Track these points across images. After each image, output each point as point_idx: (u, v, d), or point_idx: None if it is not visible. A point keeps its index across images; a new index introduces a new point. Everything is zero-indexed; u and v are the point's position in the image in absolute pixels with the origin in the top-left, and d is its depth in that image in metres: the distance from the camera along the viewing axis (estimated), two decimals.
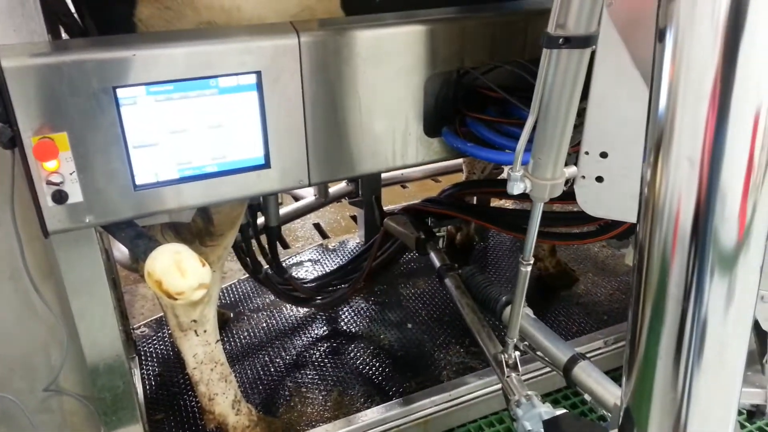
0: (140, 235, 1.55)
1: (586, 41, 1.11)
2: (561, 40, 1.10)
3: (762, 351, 1.69)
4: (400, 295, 2.97)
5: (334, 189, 3.21)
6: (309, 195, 3.21)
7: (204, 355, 2.01)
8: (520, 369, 1.68)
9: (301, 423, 2.23)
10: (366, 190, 3.15)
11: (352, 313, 2.84)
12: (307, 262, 3.28)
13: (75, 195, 1.41)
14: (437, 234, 2.31)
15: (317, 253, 3.35)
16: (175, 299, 1.47)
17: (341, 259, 3.24)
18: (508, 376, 1.64)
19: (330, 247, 3.41)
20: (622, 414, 1.22)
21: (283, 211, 3.06)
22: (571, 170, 1.32)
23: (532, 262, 1.48)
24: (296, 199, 3.26)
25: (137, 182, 1.47)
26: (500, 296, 1.86)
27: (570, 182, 1.35)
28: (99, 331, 1.71)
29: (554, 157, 1.27)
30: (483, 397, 2.32)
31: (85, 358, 1.73)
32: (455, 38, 1.67)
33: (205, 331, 1.98)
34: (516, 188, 1.28)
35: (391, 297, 2.95)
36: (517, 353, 1.68)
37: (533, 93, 1.24)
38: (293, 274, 3.13)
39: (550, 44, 1.11)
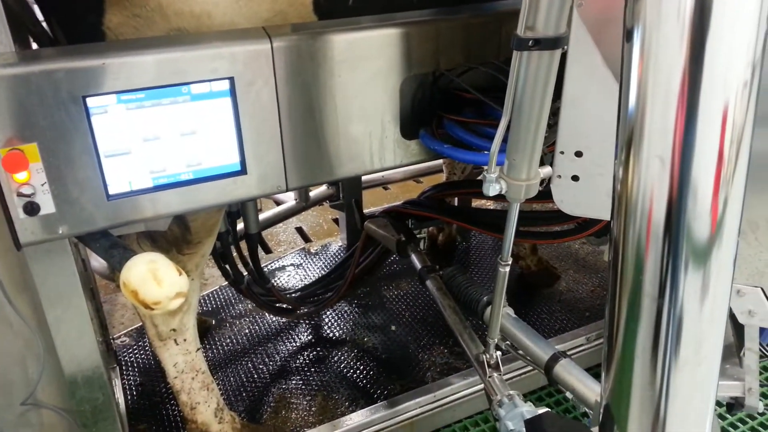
0: (115, 245, 1.53)
1: (555, 42, 1.11)
2: (531, 42, 1.10)
3: (739, 344, 1.71)
4: (383, 297, 2.96)
5: (314, 192, 3.20)
6: (289, 199, 3.20)
7: (185, 364, 1.99)
8: (501, 369, 1.68)
9: (286, 429, 2.22)
10: (347, 193, 3.14)
11: (336, 317, 2.83)
12: (289, 266, 3.26)
13: (47, 206, 1.39)
14: (418, 236, 2.31)
15: (299, 258, 3.34)
16: (152, 309, 1.45)
17: (323, 263, 3.23)
18: (490, 377, 1.64)
19: (312, 251, 3.40)
20: (602, 411, 1.23)
21: (263, 216, 3.04)
22: (546, 170, 1.33)
23: (510, 262, 1.48)
24: (277, 203, 3.25)
25: (110, 192, 1.45)
26: (481, 296, 1.86)
27: (546, 182, 1.35)
28: (76, 343, 1.68)
29: (528, 157, 1.27)
30: (468, 397, 2.33)
31: (62, 370, 1.71)
32: (430, 40, 1.68)
33: (185, 340, 1.96)
34: (492, 189, 1.28)
35: (374, 300, 2.95)
36: (499, 353, 1.69)
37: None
38: (276, 279, 3.11)
39: (520, 46, 1.12)
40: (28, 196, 1.35)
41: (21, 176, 1.33)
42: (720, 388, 1.79)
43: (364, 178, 3.47)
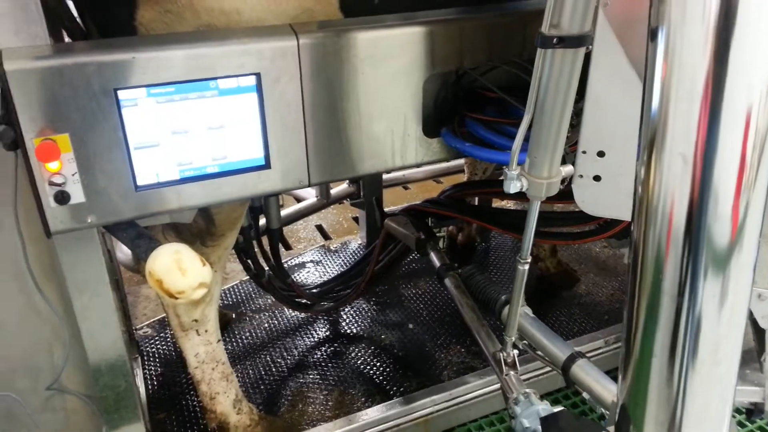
0: (141, 235, 1.57)
1: (579, 41, 1.12)
2: (555, 39, 1.11)
3: (760, 349, 1.70)
4: (401, 295, 2.98)
5: (335, 190, 3.23)
6: (311, 196, 3.22)
7: (205, 355, 2.03)
8: (518, 367, 1.69)
9: (303, 422, 2.24)
10: (367, 191, 3.16)
11: (354, 314, 2.86)
12: (309, 263, 3.29)
13: (77, 196, 1.42)
14: (437, 234, 2.32)
15: (319, 255, 3.36)
16: (176, 298, 1.48)
17: (343, 260, 3.25)
18: (506, 375, 1.65)
19: (332, 248, 3.43)
20: (618, 411, 1.23)
21: (285, 212, 3.08)
22: (567, 169, 1.33)
23: (529, 260, 1.49)
24: (298, 200, 3.28)
25: (138, 183, 1.48)
26: (499, 296, 1.86)
27: (567, 181, 1.36)
28: (101, 331, 1.72)
29: (550, 155, 1.28)
30: (483, 397, 2.33)
31: (87, 357, 1.75)
32: (453, 39, 1.69)
33: (206, 331, 2.00)
34: (512, 187, 1.29)
35: (392, 297, 2.96)
36: (516, 352, 1.69)
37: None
38: (295, 275, 3.14)
39: (544, 44, 1.13)
40: (59, 185, 1.39)
41: (53, 166, 1.37)
42: (739, 394, 1.78)
43: (384, 176, 3.49)
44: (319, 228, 4.01)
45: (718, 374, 1.14)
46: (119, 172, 1.45)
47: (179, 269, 1.47)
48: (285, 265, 2.93)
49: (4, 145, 1.34)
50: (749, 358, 1.77)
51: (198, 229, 1.84)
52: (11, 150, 1.35)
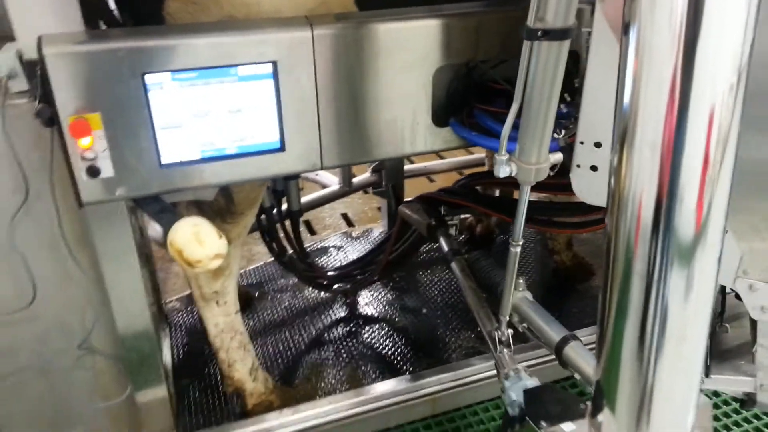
0: (165, 209, 1.70)
1: (563, 34, 1.19)
2: (540, 32, 1.18)
3: (753, 341, 1.74)
4: (417, 282, 3.07)
5: (358, 179, 3.33)
6: (334, 183, 3.34)
7: (224, 324, 2.16)
8: (512, 346, 1.77)
9: (315, 394, 2.36)
10: (388, 181, 3.26)
11: (371, 297, 2.96)
12: (331, 248, 3.41)
13: (107, 170, 1.56)
14: (450, 222, 2.40)
15: (341, 240, 3.48)
16: (194, 267, 1.61)
17: (363, 247, 3.36)
18: (500, 352, 1.73)
19: (354, 235, 3.54)
20: (594, 388, 1.30)
21: (308, 197, 3.20)
22: (556, 156, 1.40)
23: (521, 242, 1.56)
24: (322, 187, 3.40)
25: (163, 161, 1.61)
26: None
27: (557, 167, 1.43)
28: (128, 296, 1.87)
29: (538, 142, 1.35)
30: (490, 379, 2.40)
31: (115, 321, 1.90)
32: (463, 32, 1.76)
33: (225, 302, 2.13)
34: (502, 171, 1.37)
35: (409, 283, 3.06)
36: (510, 331, 1.77)
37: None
38: (318, 258, 3.27)
39: (530, 36, 1.20)
40: (91, 160, 1.53)
41: (85, 142, 1.50)
42: (733, 384, 1.82)
43: (407, 167, 3.58)
44: (344, 216, 4.13)
45: (685, 358, 1.20)
46: (145, 149, 1.58)
47: (197, 241, 1.60)
48: (309, 249, 3.06)
49: (42, 121, 1.48)
50: (745, 350, 1.81)
51: (219, 207, 1.97)
52: (48, 126, 1.49)
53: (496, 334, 1.76)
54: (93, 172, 1.54)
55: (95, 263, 1.81)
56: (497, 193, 3.16)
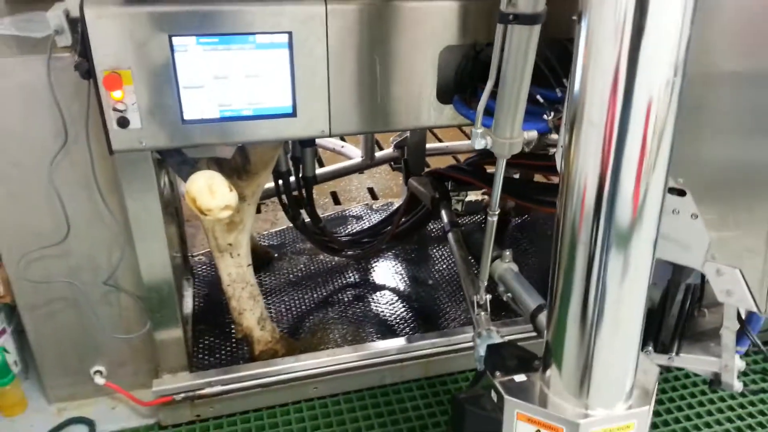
0: (185, 162, 1.89)
1: (534, 18, 1.30)
2: (511, 16, 1.30)
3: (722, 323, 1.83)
4: (428, 255, 3.21)
5: (380, 153, 3.48)
6: (357, 156, 3.49)
7: (237, 275, 2.35)
8: (489, 309, 1.90)
9: (318, 347, 2.54)
10: (411, 158, 3.39)
11: (381, 266, 3.12)
12: (351, 217, 3.58)
13: (135, 122, 1.74)
14: (456, 198, 2.52)
15: (361, 211, 3.64)
16: (206, 215, 1.80)
17: (380, 218, 3.51)
18: (477, 314, 1.86)
19: (374, 207, 3.70)
20: (544, 347, 1.43)
21: (330, 168, 3.36)
22: (531, 134, 1.52)
23: (497, 212, 1.69)
24: (347, 158, 3.55)
25: (185, 117, 1.78)
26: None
27: (532, 143, 1.54)
28: (150, 239, 2.06)
29: (512, 118, 1.47)
30: None
31: (138, 261, 2.10)
32: (470, 15, 1.87)
33: (238, 255, 2.32)
34: (477, 143, 1.50)
35: (420, 256, 3.20)
36: (489, 296, 1.90)
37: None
38: (337, 227, 3.44)
39: (502, 20, 1.32)
40: (121, 111, 1.71)
41: (117, 94, 1.69)
42: (700, 363, 1.91)
43: (431, 145, 3.70)
44: (370, 190, 4.28)
45: (623, 323, 1.31)
46: (170, 106, 1.75)
47: (210, 191, 1.78)
48: (329, 217, 3.23)
49: (80, 74, 1.68)
50: (716, 334, 1.90)
51: (236, 165, 2.14)
52: (85, 79, 1.69)
53: (475, 298, 1.90)
54: (123, 122, 1.73)
55: (123, 207, 2.01)
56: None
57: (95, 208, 2.03)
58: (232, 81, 1.78)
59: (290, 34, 1.75)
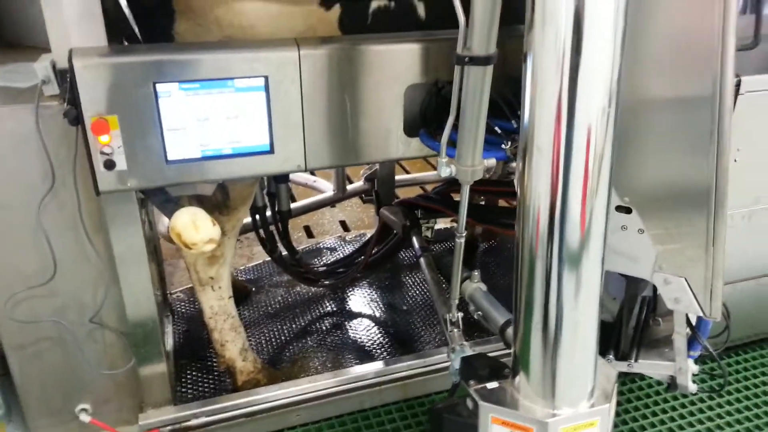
0: (169, 200, 1.99)
1: (486, 60, 1.46)
2: (467, 59, 1.46)
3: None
4: (401, 282, 3.34)
5: (351, 186, 3.61)
6: (329, 190, 3.62)
7: (218, 308, 2.44)
8: (461, 326, 2.02)
9: (299, 375, 2.62)
10: (381, 189, 3.53)
11: (357, 294, 3.23)
12: (325, 249, 3.69)
13: (121, 164, 1.85)
14: (426, 225, 2.67)
15: (335, 243, 3.76)
16: (191, 249, 1.90)
17: (354, 249, 3.63)
18: (450, 331, 1.99)
19: (347, 239, 3.82)
20: (512, 356, 1.56)
21: (303, 202, 3.48)
22: (490, 162, 1.67)
23: (464, 234, 1.83)
24: (318, 191, 3.68)
25: (169, 158, 1.89)
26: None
27: (492, 171, 1.70)
28: (134, 276, 2.14)
29: (472, 148, 1.63)
30: None
31: (123, 298, 2.17)
32: (431, 56, 2.04)
33: (220, 287, 2.41)
34: (443, 172, 1.65)
35: (393, 283, 3.33)
36: (461, 314, 2.03)
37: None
38: (312, 259, 3.54)
39: (459, 62, 1.48)
40: (108, 154, 1.82)
41: (104, 139, 1.79)
42: (656, 368, 2.06)
43: (400, 177, 3.85)
44: (342, 223, 4.41)
45: (580, 334, 1.46)
46: (154, 147, 1.86)
47: (194, 226, 1.89)
48: (304, 250, 3.33)
49: (69, 121, 1.78)
50: (670, 340, 2.05)
51: (216, 201, 2.25)
52: (74, 125, 1.79)
53: (448, 316, 2.02)
54: (109, 165, 1.83)
55: (108, 246, 2.09)
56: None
57: (81, 247, 2.11)
58: (212, 122, 1.90)
59: (266, 77, 1.89)
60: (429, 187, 4.62)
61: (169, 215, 1.92)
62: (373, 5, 2.11)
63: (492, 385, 1.54)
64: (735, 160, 2.30)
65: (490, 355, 2.49)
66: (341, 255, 3.56)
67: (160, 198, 1.99)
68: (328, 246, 3.72)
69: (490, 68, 1.49)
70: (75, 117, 1.77)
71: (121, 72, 1.75)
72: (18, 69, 2.19)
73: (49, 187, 1.97)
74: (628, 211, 1.71)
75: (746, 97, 2.18)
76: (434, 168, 4.40)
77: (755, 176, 2.41)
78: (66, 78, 1.76)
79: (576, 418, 1.47)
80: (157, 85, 1.80)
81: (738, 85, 2.13)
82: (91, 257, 2.13)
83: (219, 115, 1.90)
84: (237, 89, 1.89)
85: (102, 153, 1.81)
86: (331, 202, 3.61)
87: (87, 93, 1.74)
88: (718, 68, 1.52)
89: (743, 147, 2.31)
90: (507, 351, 2.00)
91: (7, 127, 1.90)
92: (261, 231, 2.78)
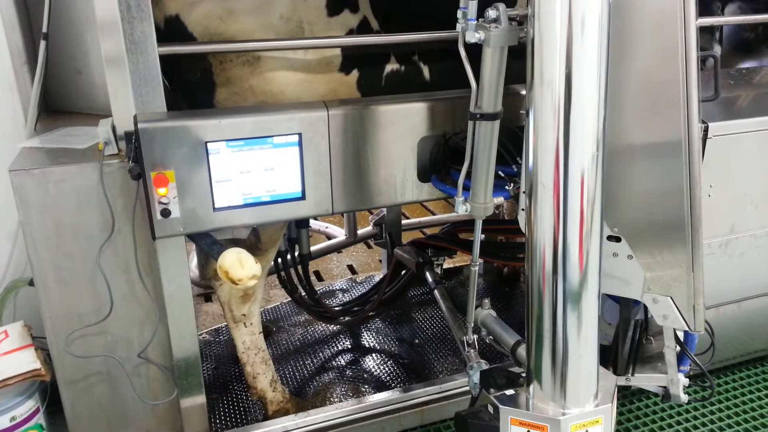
0: (215, 243, 2.25)
1: (494, 116, 1.77)
2: (478, 115, 1.77)
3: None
4: (412, 318, 3.58)
5: (361, 231, 3.89)
6: (340, 235, 3.89)
7: (250, 342, 2.67)
8: (477, 347, 2.26)
9: (323, 404, 2.83)
10: (389, 233, 3.80)
11: (372, 330, 3.47)
12: (338, 291, 3.93)
13: (175, 212, 2.12)
14: (436, 262, 2.94)
15: (347, 285, 4.01)
16: (237, 284, 2.14)
17: (366, 289, 3.88)
18: (467, 351, 2.23)
19: (358, 280, 4.07)
20: (526, 367, 1.81)
21: (318, 246, 3.74)
22: (499, 199, 1.96)
23: (478, 263, 2.10)
24: (329, 238, 3.95)
25: (216, 205, 2.17)
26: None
27: (501, 207, 1.99)
28: (181, 313, 2.38)
29: (484, 188, 1.92)
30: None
31: (169, 333, 2.40)
32: (440, 112, 2.34)
33: (251, 324, 2.64)
34: (460, 209, 1.93)
35: (404, 319, 3.57)
36: (476, 336, 2.28)
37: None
38: (328, 299, 3.79)
39: (471, 118, 1.79)
40: (165, 204, 2.09)
41: (162, 191, 2.07)
42: (650, 380, 2.30)
43: (405, 222, 4.14)
44: (350, 267, 4.66)
45: (583, 350, 1.72)
46: (204, 197, 2.14)
47: (240, 264, 2.14)
48: (319, 291, 3.58)
49: (132, 176, 2.06)
50: (662, 356, 2.30)
51: (250, 243, 2.52)
52: (136, 180, 2.07)
53: (464, 338, 2.27)
54: (165, 213, 2.10)
55: (157, 287, 2.33)
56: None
57: (132, 288, 2.35)
58: (253, 174, 2.19)
59: (300, 134, 2.19)
60: (428, 231, 4.92)
61: (216, 256, 2.18)
62: (387, 69, 2.44)
63: (509, 391, 1.79)
64: (709, 195, 2.61)
65: None
66: (354, 295, 3.81)
67: (208, 241, 2.25)
68: (341, 288, 3.96)
69: (497, 122, 1.80)
70: (138, 173, 2.05)
71: (179, 134, 2.04)
72: (71, 133, 2.49)
73: (108, 235, 2.22)
74: (618, 239, 1.98)
75: (714, 141, 2.51)
76: (432, 213, 4.75)
77: (728, 208, 2.71)
78: (129, 139, 2.04)
79: (583, 416, 1.71)
80: (209, 144, 2.08)
81: (706, 130, 2.45)
82: (141, 297, 2.37)
83: (259, 167, 2.18)
84: (275, 145, 2.18)
85: (160, 203, 2.08)
86: (343, 246, 3.87)
87: (148, 152, 2.03)
88: (685, 115, 1.83)
89: (716, 183, 2.62)
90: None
91: (74, 183, 2.17)
92: (282, 273, 3.03)
